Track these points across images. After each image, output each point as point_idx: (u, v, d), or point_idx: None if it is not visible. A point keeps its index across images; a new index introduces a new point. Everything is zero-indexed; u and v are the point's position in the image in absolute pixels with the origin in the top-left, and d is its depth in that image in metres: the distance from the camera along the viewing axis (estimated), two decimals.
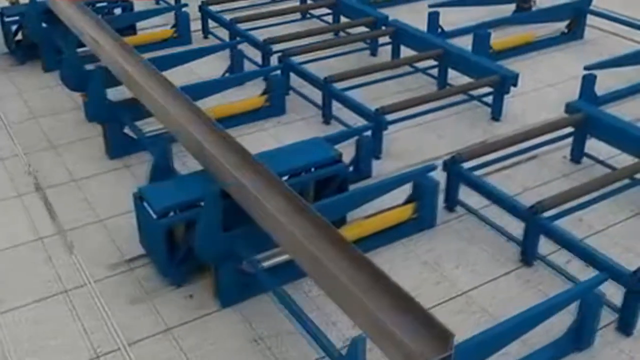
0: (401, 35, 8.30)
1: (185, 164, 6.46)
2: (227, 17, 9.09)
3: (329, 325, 4.74)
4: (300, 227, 4.29)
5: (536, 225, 5.13)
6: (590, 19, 9.41)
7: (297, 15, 9.80)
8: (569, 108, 6.47)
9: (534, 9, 9.92)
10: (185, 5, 9.37)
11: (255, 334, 4.67)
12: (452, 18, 9.20)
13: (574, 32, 9.27)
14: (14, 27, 8.74)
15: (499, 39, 8.83)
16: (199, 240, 4.65)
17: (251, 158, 4.96)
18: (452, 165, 5.72)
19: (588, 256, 4.82)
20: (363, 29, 8.94)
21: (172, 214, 4.92)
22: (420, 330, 3.53)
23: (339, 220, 5.20)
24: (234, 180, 4.75)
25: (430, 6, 9.04)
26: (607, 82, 7.59)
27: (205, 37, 9.40)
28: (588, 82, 7.28)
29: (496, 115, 7.31)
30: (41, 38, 8.27)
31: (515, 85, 7.18)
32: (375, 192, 5.39)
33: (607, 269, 4.64)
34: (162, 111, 5.91)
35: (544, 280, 5.13)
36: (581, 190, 5.47)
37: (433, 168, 5.60)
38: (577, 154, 6.54)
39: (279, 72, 7.50)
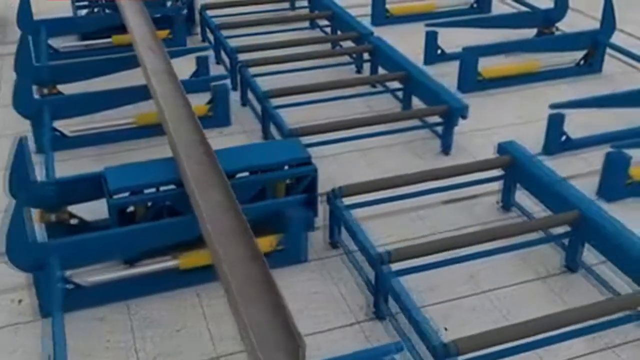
0: (377, 52, 7.83)
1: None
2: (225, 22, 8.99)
3: (131, 351, 4.51)
4: (218, 224, 4.30)
5: (381, 277, 4.60)
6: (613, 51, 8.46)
7: (297, 25, 9.50)
8: (499, 149, 5.80)
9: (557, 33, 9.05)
10: (181, 9, 9.36)
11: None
12: (465, 39, 8.55)
13: (591, 65, 8.33)
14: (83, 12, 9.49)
15: (499, 65, 8.18)
16: (7, 247, 4.56)
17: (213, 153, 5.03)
18: (332, 199, 5.27)
19: (409, 318, 4.24)
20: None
21: (121, 195, 4.95)
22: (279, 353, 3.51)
23: None
24: None
25: (427, 25, 8.47)
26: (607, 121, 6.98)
27: (203, 41, 9.35)
28: (554, 123, 6.54)
29: (446, 149, 6.68)
30: (28, 29, 8.51)
31: (464, 117, 6.53)
32: None
33: (424, 337, 4.08)
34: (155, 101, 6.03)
35: (382, 338, 4.58)
36: (457, 241, 4.85)
37: (302, 199, 5.21)
38: (507, 201, 5.84)
39: (227, 81, 7.31)
